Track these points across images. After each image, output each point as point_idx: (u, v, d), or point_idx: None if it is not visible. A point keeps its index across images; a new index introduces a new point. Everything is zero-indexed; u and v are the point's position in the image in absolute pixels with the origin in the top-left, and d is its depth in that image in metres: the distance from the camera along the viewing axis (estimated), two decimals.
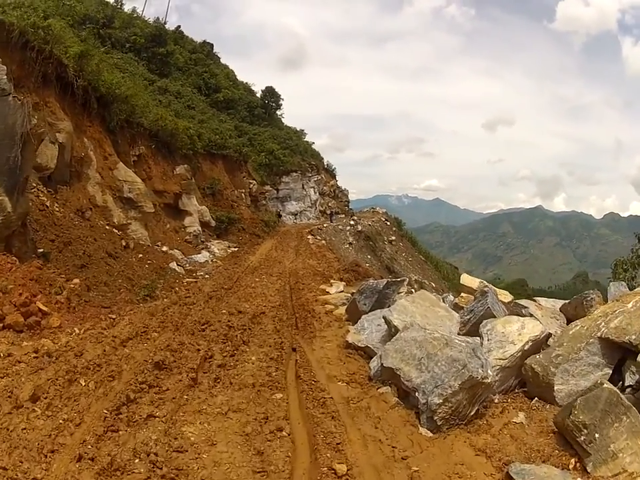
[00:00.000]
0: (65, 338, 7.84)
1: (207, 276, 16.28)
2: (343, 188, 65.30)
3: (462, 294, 11.03)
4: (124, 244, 14.64)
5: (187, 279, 15.26)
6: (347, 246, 35.90)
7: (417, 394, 6.29)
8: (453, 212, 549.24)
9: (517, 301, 9.35)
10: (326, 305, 12.84)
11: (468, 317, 8.67)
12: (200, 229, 23.51)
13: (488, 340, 7.20)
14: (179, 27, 52.71)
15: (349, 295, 13.43)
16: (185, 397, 6.27)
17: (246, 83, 58.01)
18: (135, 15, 47.07)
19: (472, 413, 6.15)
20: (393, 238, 45.64)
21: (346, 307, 11.82)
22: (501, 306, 8.91)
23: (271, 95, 57.31)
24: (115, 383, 6.32)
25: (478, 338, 7.45)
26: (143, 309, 10.62)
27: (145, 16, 49.28)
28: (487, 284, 9.64)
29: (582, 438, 5.09)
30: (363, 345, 8.69)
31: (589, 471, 4.94)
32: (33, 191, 12.32)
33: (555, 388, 6.38)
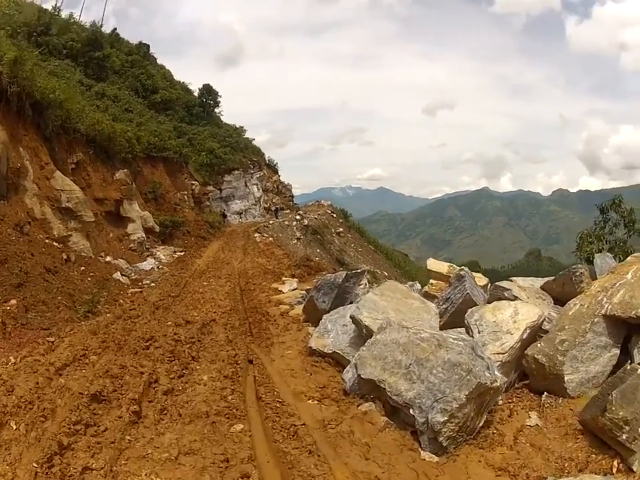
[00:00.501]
0: None
1: (152, 284, 15.98)
2: (286, 183, 65.28)
3: (431, 281, 10.29)
4: (65, 257, 14.13)
5: (132, 289, 14.89)
6: (295, 241, 36.32)
7: (411, 411, 5.37)
8: (398, 199, 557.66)
9: (497, 283, 8.14)
10: (280, 305, 12.45)
11: (445, 306, 7.97)
12: (144, 235, 23.09)
13: (479, 332, 6.46)
14: (115, 29, 51.30)
15: (304, 292, 13.21)
16: (127, 437, 5.34)
17: (183, 82, 57.08)
18: (72, 21, 45.34)
19: (480, 424, 5.41)
20: (341, 230, 46.10)
21: (302, 306, 11.25)
22: (480, 290, 8.36)
23: (208, 93, 56.64)
24: (48, 424, 5.46)
25: (460, 329, 6.92)
26: (84, 327, 9.91)
27: (82, 21, 47.73)
28: (464, 268, 8.60)
29: (624, 436, 4.45)
30: (329, 351, 7.79)
31: (634, 470, 4.38)
32: None
33: (565, 378, 5.72)
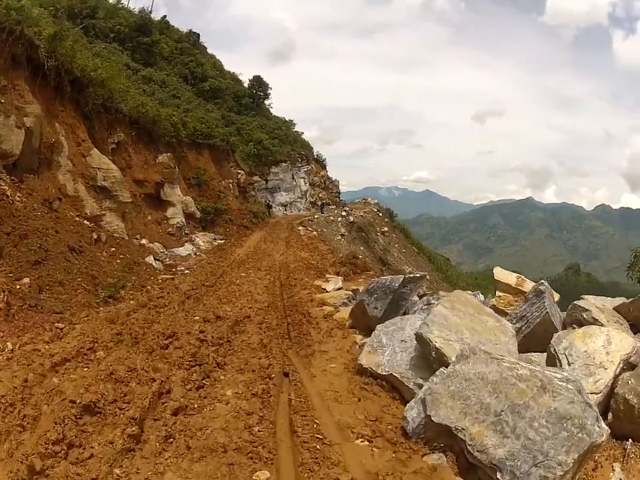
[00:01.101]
0: None
1: (187, 271, 14.95)
2: (333, 179, 64.17)
3: (498, 293, 8.91)
4: (95, 237, 13.30)
5: (164, 275, 13.83)
6: (339, 237, 35.30)
7: (498, 475, 3.98)
8: (443, 203, 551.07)
9: (575, 302, 7.05)
10: (324, 305, 11.04)
11: (518, 325, 6.66)
12: (184, 220, 22.26)
13: (569, 364, 5.25)
14: (165, 16, 51.16)
15: (350, 292, 12.00)
16: (116, 472, 4.09)
17: (233, 72, 56.63)
18: (120, 6, 45.53)
19: None
20: (386, 229, 44.85)
21: (349, 309, 9.72)
22: (557, 309, 7.10)
23: (258, 84, 55.91)
24: (26, 437, 4.48)
25: (534, 355, 5.76)
26: (101, 314, 8.88)
27: (130, 7, 47.65)
28: (544, 282, 7.25)
29: None
30: (384, 372, 6.16)
31: None
32: None
33: None
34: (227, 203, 30.34)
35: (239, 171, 38.35)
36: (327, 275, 14.99)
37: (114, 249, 13.84)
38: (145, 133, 22.68)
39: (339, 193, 66.08)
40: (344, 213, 40.93)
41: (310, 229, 33.12)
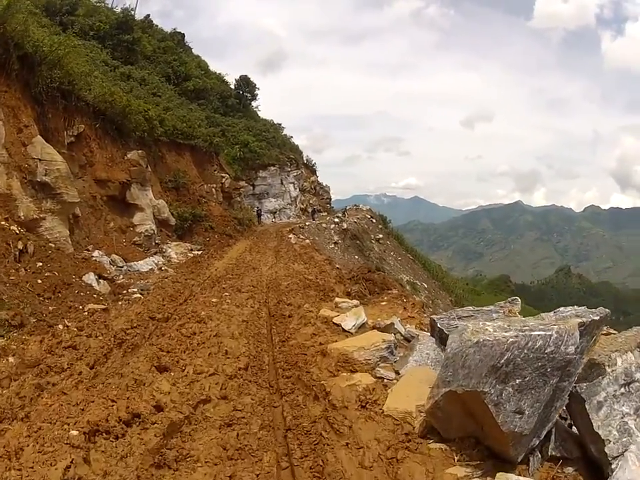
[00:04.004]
0: None
1: (139, 294, 11.49)
2: (324, 184, 61.37)
3: None
4: (20, 247, 10.12)
5: (93, 305, 9.90)
6: (332, 246, 32.73)
7: None
8: (432, 210, 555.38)
9: None
10: (350, 368, 6.18)
11: None
12: (154, 228, 19.11)
13: None
14: (148, 15, 48.36)
15: (391, 339, 6.88)
16: None
17: (219, 73, 53.78)
18: (101, 5, 43.46)
19: None
20: (380, 236, 42.42)
21: (427, 405, 4.42)
22: None
23: (245, 84, 53.09)
24: None
25: None
26: None
27: (113, 6, 45.45)
28: None
29: None
30: None
31: None
32: None
33: None
34: (209, 209, 27.25)
35: (224, 175, 35.36)
36: (337, 299, 10.95)
37: (40, 264, 10.41)
38: (112, 126, 19.60)
39: (330, 199, 63.40)
40: (337, 220, 38.42)
41: (302, 236, 30.54)
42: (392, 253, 42.15)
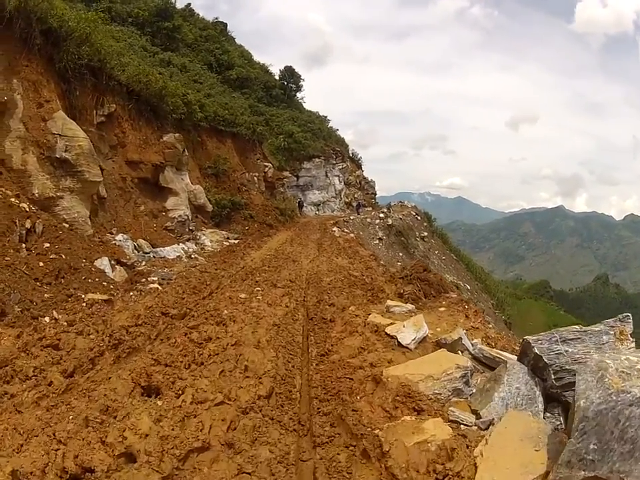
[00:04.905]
0: None
1: (157, 284, 9.97)
2: (369, 179, 59.63)
3: None
4: (27, 226, 8.86)
5: (92, 295, 8.34)
6: (377, 242, 31.92)
7: None
8: (475, 210, 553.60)
9: None
10: (412, 405, 4.42)
11: None
12: (189, 213, 17.88)
13: None
14: (189, 4, 47.44)
15: (468, 364, 5.06)
16: None
17: (262, 63, 52.69)
18: None
19: None
20: (425, 234, 40.72)
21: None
22: None
23: (290, 75, 51.85)
24: None
25: None
26: None
27: None
28: None
29: None
30: None
31: None
32: None
33: None
34: (249, 198, 26.05)
35: (267, 164, 34.17)
36: (388, 301, 9.06)
37: (48, 245, 9.12)
38: (147, 107, 18.47)
39: (375, 194, 61.62)
40: (382, 215, 37.02)
41: (346, 230, 29.23)
42: (436, 252, 40.50)
